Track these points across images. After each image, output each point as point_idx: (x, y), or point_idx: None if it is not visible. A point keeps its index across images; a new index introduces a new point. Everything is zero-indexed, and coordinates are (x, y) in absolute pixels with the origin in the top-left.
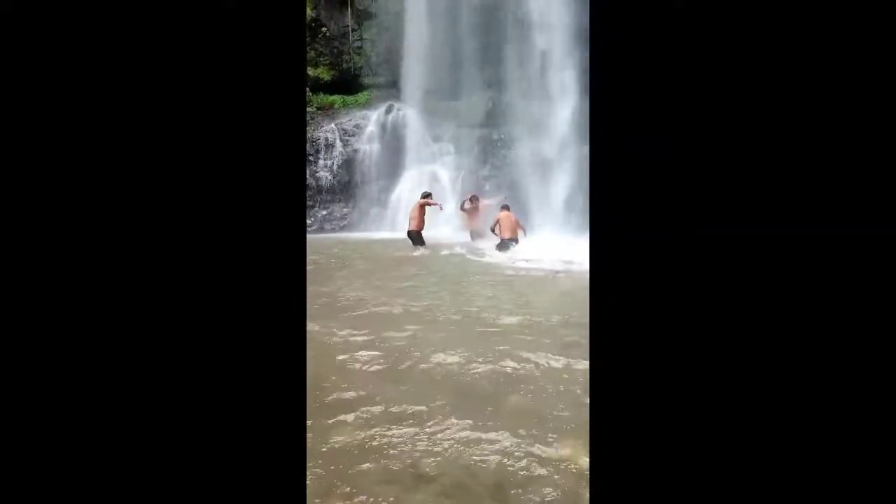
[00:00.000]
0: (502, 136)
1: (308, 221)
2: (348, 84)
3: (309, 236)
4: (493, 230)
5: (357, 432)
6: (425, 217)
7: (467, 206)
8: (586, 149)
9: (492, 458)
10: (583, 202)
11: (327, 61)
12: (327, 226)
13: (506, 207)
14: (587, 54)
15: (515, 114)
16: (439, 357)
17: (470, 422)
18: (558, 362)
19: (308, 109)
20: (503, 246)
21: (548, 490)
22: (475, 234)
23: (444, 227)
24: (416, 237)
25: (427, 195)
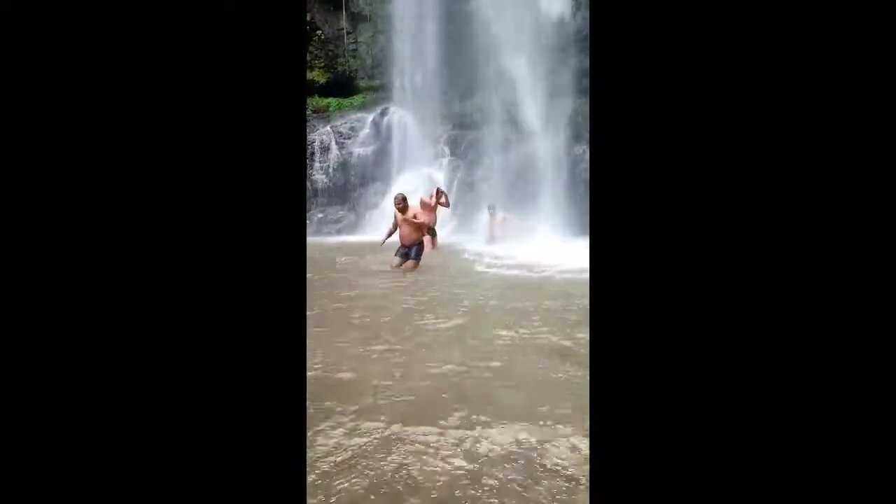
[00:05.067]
0: (498, 137)
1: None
2: (343, 87)
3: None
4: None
5: None
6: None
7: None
8: (580, 149)
9: None
10: (579, 203)
11: (322, 64)
12: (324, 229)
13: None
14: (582, 56)
15: (511, 115)
16: None
17: None
18: None
19: None
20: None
21: None
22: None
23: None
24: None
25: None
